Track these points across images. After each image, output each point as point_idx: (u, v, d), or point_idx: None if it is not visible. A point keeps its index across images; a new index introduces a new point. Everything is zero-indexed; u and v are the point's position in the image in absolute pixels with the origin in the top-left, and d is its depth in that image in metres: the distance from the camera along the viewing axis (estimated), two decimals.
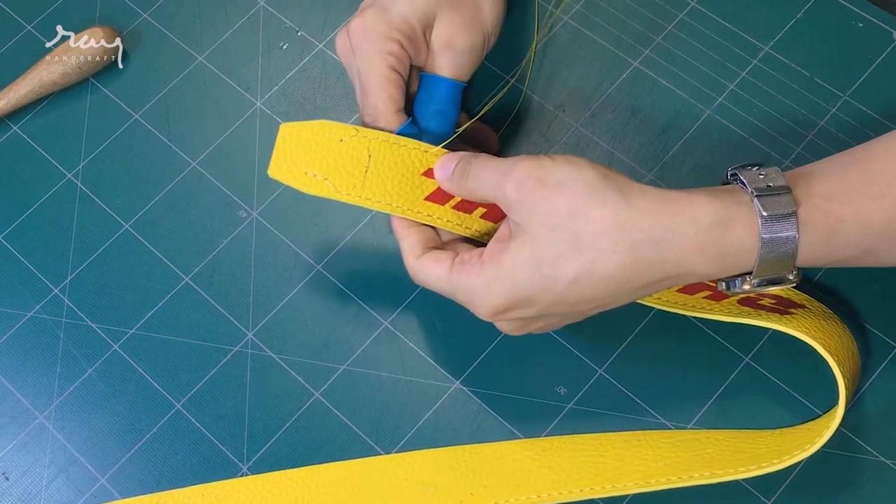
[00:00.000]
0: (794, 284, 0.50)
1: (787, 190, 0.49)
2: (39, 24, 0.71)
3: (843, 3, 0.66)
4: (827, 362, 0.53)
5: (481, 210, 0.55)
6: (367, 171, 0.54)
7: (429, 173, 0.54)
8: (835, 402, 0.54)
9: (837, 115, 0.63)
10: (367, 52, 0.56)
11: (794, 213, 0.48)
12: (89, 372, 0.61)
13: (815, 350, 0.54)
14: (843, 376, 0.53)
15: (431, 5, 0.57)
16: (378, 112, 0.56)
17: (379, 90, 0.56)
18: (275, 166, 0.55)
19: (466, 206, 0.55)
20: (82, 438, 0.59)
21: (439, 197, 0.55)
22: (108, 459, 0.59)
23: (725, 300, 0.57)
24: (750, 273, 0.49)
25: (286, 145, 0.55)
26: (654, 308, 0.59)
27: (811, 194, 0.49)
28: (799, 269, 0.50)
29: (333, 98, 0.67)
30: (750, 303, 0.57)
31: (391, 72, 0.56)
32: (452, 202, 0.55)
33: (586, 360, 0.59)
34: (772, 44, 0.66)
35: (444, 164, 0.54)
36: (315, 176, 0.54)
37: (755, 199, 0.48)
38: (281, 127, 0.55)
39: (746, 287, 0.50)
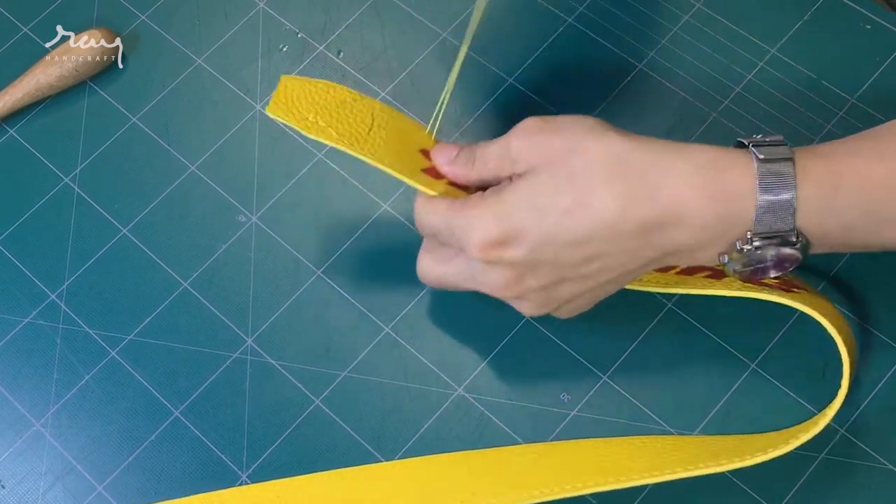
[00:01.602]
0: (798, 259, 0.50)
1: (783, 143, 0.50)
2: (36, 27, 0.71)
3: (851, 4, 0.67)
4: (837, 372, 0.54)
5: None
6: (370, 131, 0.54)
7: (426, 153, 0.55)
8: (842, 407, 0.54)
9: (845, 118, 0.63)
10: None
11: (790, 160, 0.49)
12: (87, 378, 0.61)
13: (821, 357, 0.54)
14: (849, 355, 0.53)
15: None
16: None
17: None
18: (275, 106, 0.54)
19: (461, 187, 0.55)
20: (79, 446, 0.59)
21: (436, 174, 0.55)
22: (106, 467, 0.59)
23: (727, 278, 0.57)
24: (749, 235, 0.49)
25: (288, 92, 0.55)
26: (658, 313, 0.59)
27: (809, 152, 0.50)
28: (801, 235, 0.50)
29: None
30: (753, 280, 0.56)
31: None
32: (446, 179, 0.55)
33: (590, 366, 0.59)
34: (778, 46, 0.66)
35: (444, 150, 0.55)
36: (317, 122, 0.54)
37: (752, 148, 0.49)
38: (282, 78, 0.55)
39: (746, 249, 0.50)
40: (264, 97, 0.68)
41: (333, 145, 0.53)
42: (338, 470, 0.58)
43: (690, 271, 0.57)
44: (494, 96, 0.66)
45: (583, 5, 0.68)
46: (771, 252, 0.50)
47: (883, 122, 0.52)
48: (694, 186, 0.49)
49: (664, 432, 0.57)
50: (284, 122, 0.54)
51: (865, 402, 0.57)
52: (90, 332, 0.62)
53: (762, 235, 0.49)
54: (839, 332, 0.53)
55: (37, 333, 0.62)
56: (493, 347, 0.60)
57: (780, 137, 0.50)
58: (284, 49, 0.69)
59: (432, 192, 0.54)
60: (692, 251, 0.51)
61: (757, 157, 0.49)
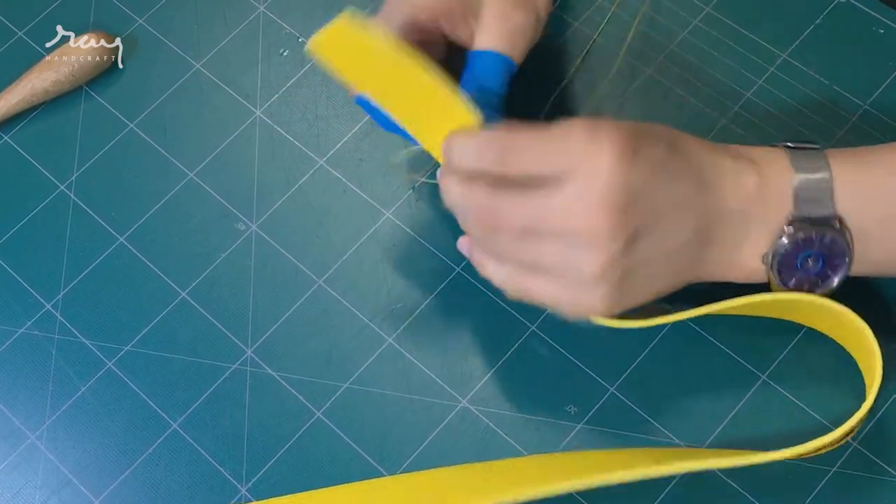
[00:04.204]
0: (845, 251, 0.52)
1: (813, 143, 0.54)
2: (31, 31, 0.72)
3: (863, 8, 0.67)
4: (851, 384, 0.54)
5: None
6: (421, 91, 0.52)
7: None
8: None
9: (857, 124, 0.64)
10: (387, 12, 0.57)
11: (821, 151, 0.53)
12: (83, 390, 0.62)
13: (834, 369, 0.54)
14: (883, 357, 0.54)
15: None
16: None
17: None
18: (321, 42, 0.52)
19: None
20: (75, 459, 0.60)
21: None
22: (102, 481, 0.59)
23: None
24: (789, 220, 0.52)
25: (339, 35, 0.52)
26: (665, 325, 0.59)
27: (837, 150, 0.54)
28: (842, 221, 0.52)
29: (336, 106, 0.68)
30: None
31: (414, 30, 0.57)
32: None
33: (597, 377, 0.60)
34: (789, 50, 0.67)
35: (465, 150, 0.51)
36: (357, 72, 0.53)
37: (782, 145, 0.54)
38: (340, 16, 0.52)
39: (791, 231, 0.52)
40: (264, 102, 0.69)
41: (379, 102, 0.53)
42: (341, 486, 0.58)
43: None
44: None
45: (590, 9, 0.69)
46: (811, 262, 0.53)
47: None
48: (741, 169, 0.52)
49: (672, 445, 0.58)
50: (331, 57, 0.53)
51: (879, 414, 0.57)
52: (86, 342, 0.63)
53: (802, 216, 0.52)
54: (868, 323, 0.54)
55: (32, 344, 0.63)
56: (499, 358, 0.60)
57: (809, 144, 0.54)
58: (285, 53, 0.70)
59: None
60: (732, 256, 0.53)
61: (787, 145, 0.53)
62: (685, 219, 0.51)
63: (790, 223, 0.52)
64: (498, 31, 0.57)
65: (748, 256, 0.53)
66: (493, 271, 0.53)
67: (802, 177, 0.52)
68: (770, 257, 0.53)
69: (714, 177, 0.51)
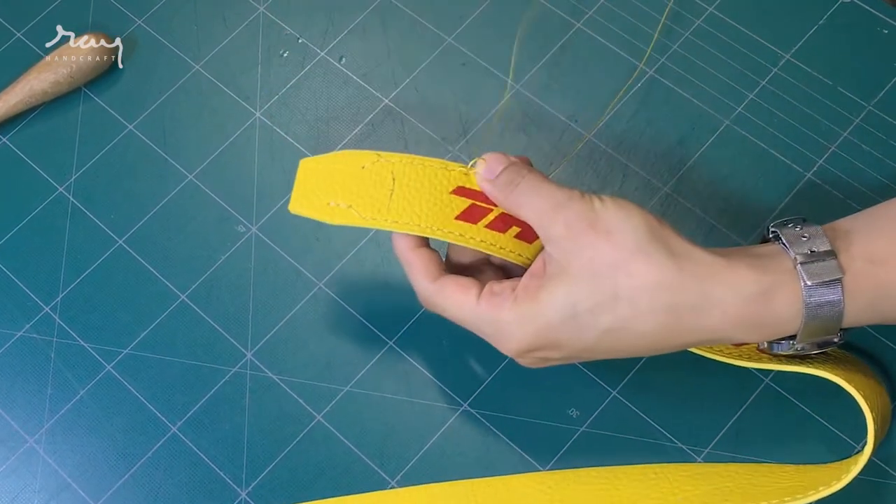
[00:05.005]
0: (839, 344, 0.52)
1: (831, 255, 0.50)
2: (29, 31, 0.72)
3: (868, 8, 0.67)
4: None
5: (515, 230, 0.54)
6: (392, 194, 0.54)
7: (458, 191, 0.54)
8: (857, 425, 0.55)
9: (862, 125, 0.64)
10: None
11: (839, 281, 0.49)
12: (81, 394, 0.62)
13: None
14: (871, 411, 0.54)
15: None
16: None
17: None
18: (296, 202, 0.56)
19: (500, 226, 0.54)
20: (74, 463, 0.60)
21: (471, 216, 0.54)
22: (101, 485, 0.60)
23: (745, 346, 0.58)
24: (794, 338, 0.51)
25: (307, 180, 0.56)
26: None
27: (854, 257, 0.50)
28: (844, 330, 0.51)
29: (336, 108, 0.68)
30: None
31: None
32: (485, 221, 0.54)
33: (600, 381, 0.60)
34: (793, 51, 0.67)
35: (492, 164, 0.53)
36: (338, 205, 0.54)
37: (799, 267, 0.49)
38: (301, 163, 0.56)
39: (790, 351, 0.52)
40: (264, 104, 0.69)
41: (358, 225, 0.54)
42: (342, 497, 0.58)
43: None
44: (503, 101, 0.67)
45: (591, 8, 0.69)
46: (814, 351, 0.52)
47: None
48: (739, 318, 0.49)
49: (676, 449, 0.58)
50: (307, 216, 0.55)
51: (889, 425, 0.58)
52: (85, 345, 0.63)
53: (805, 342, 0.51)
54: (857, 388, 0.54)
55: (30, 347, 0.63)
56: (500, 362, 0.61)
57: (829, 249, 0.50)
58: (285, 55, 0.70)
59: (472, 244, 0.54)
60: (721, 338, 0.52)
61: (805, 282, 0.49)
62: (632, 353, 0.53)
63: (791, 344, 0.52)
64: None
65: (740, 341, 0.53)
66: None
67: (814, 322, 0.50)
68: (765, 344, 0.54)
69: (711, 340, 0.51)
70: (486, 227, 0.54)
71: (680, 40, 0.68)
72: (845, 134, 0.64)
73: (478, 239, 0.54)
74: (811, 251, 0.50)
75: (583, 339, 0.50)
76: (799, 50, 0.67)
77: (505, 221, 0.54)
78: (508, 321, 0.51)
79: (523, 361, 0.54)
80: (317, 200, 0.55)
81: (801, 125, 0.65)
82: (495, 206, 0.54)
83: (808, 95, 0.65)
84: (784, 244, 0.51)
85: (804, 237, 0.51)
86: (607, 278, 0.49)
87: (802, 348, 0.52)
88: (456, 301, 0.53)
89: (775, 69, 0.66)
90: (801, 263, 0.49)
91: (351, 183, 0.54)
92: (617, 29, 0.68)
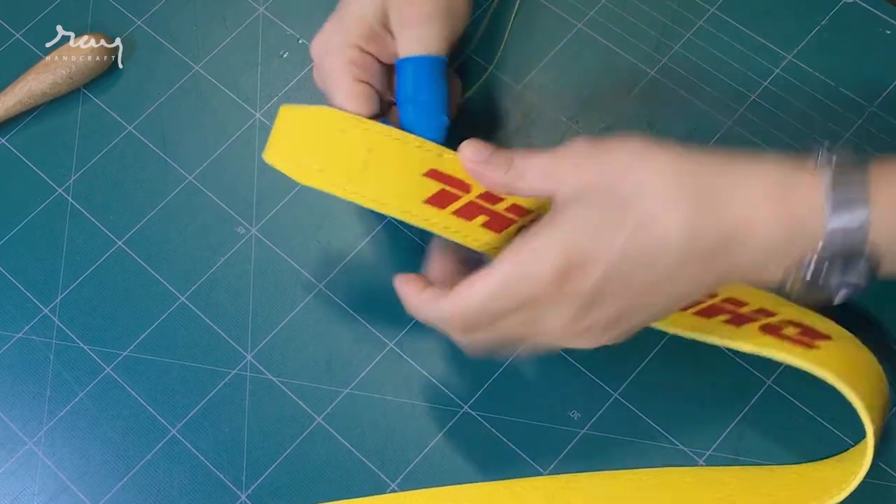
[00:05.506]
0: (862, 286, 0.49)
1: (855, 158, 0.48)
2: (28, 32, 0.73)
3: (870, 9, 0.67)
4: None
5: (483, 218, 0.55)
6: (365, 167, 0.54)
7: (431, 174, 0.54)
8: (860, 427, 0.55)
9: (864, 126, 0.64)
10: (329, 67, 0.57)
11: (863, 179, 0.47)
12: (80, 396, 0.62)
13: None
14: (872, 423, 0.54)
15: None
16: None
17: (346, 104, 0.56)
18: (271, 149, 0.56)
19: (467, 214, 0.54)
20: (73, 465, 0.60)
21: (440, 201, 0.54)
22: (100, 488, 0.60)
23: (746, 325, 0.58)
24: (815, 257, 0.48)
25: (285, 128, 0.56)
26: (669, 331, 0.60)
27: (884, 167, 0.48)
28: (870, 257, 0.48)
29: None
30: (772, 330, 0.57)
31: (356, 84, 0.57)
32: (453, 207, 0.54)
33: (601, 383, 0.60)
34: (795, 52, 0.67)
35: (478, 147, 0.53)
36: (311, 165, 0.54)
37: (823, 151, 0.48)
38: (281, 109, 0.56)
39: (810, 272, 0.49)
40: (264, 105, 0.69)
41: (328, 191, 0.54)
42: (344, 502, 0.58)
43: (710, 312, 0.57)
44: (504, 102, 0.67)
45: (593, 10, 0.69)
46: (835, 279, 0.49)
47: None
48: (761, 207, 0.48)
49: (678, 451, 0.58)
50: (279, 168, 0.55)
51: (890, 425, 0.57)
52: (84, 347, 0.63)
53: (828, 258, 0.48)
54: (854, 386, 0.54)
55: (29, 349, 0.63)
56: (501, 363, 0.61)
57: (848, 151, 0.48)
58: (285, 55, 0.70)
59: (435, 229, 0.54)
60: (750, 274, 0.50)
61: (829, 174, 0.47)
62: (669, 290, 0.50)
63: (813, 259, 0.48)
64: (408, 35, 0.58)
65: (758, 282, 0.51)
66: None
67: (837, 221, 0.47)
68: (788, 284, 0.50)
69: (737, 243, 0.48)
70: (454, 213, 0.54)
71: (681, 41, 0.68)
72: (847, 135, 0.64)
73: (442, 225, 0.54)
74: (838, 157, 0.48)
75: (615, 245, 0.48)
76: (801, 51, 0.67)
77: (472, 210, 0.54)
78: (534, 248, 0.49)
79: (556, 316, 0.51)
80: (291, 156, 0.55)
81: (804, 126, 0.65)
82: (465, 193, 0.54)
83: (810, 96, 0.65)
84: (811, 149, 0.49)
85: (826, 144, 0.49)
86: (616, 187, 0.48)
87: (822, 270, 0.48)
88: (480, 288, 0.51)
89: (777, 70, 0.66)
90: (823, 159, 0.48)
91: (328, 145, 0.54)
92: (618, 30, 0.69)
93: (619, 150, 0.50)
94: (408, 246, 0.64)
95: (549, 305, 0.50)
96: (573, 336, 0.52)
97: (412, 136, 0.54)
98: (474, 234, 0.54)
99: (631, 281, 0.49)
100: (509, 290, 0.50)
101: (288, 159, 0.55)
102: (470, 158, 0.53)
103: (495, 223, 0.55)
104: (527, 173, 0.52)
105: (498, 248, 0.54)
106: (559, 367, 0.60)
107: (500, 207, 0.54)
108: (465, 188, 0.54)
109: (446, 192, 0.54)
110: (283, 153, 0.55)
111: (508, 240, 0.54)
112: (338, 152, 0.54)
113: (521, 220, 0.55)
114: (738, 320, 0.57)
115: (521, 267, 0.50)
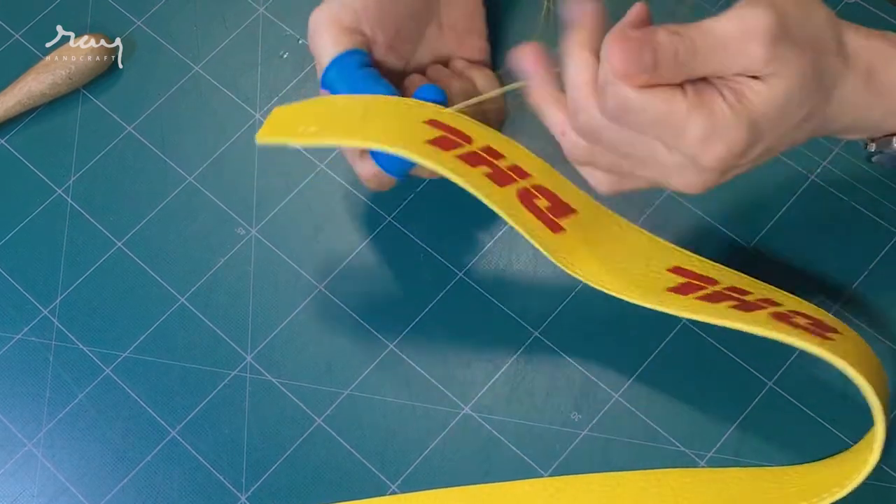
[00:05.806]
0: None
1: None
2: (28, 33, 0.73)
3: (872, 9, 0.67)
4: (859, 390, 0.54)
5: (485, 169, 0.54)
6: (365, 117, 0.53)
7: (432, 122, 0.54)
8: (862, 429, 0.55)
9: None
10: (315, 25, 0.59)
11: None
12: (80, 397, 0.62)
13: (842, 374, 0.54)
14: (884, 413, 0.54)
15: None
16: None
17: (336, 47, 0.57)
18: (263, 135, 0.56)
19: (470, 160, 0.53)
20: (72, 467, 0.60)
21: (442, 144, 0.53)
22: (100, 489, 0.60)
23: (756, 311, 0.57)
24: None
25: (277, 119, 0.56)
26: (671, 330, 0.60)
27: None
28: None
29: None
30: (784, 318, 0.57)
31: (344, 30, 0.58)
32: (456, 152, 0.53)
33: (601, 384, 0.60)
34: None
35: (617, 54, 0.47)
36: (307, 129, 0.54)
37: None
38: (273, 110, 0.57)
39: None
40: (264, 105, 0.69)
41: (327, 143, 0.54)
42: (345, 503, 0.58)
43: (717, 298, 0.57)
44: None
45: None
46: None
47: None
48: (862, 32, 0.50)
49: (679, 453, 0.58)
50: (275, 142, 0.55)
51: (890, 425, 0.57)
52: (84, 348, 0.63)
53: None
54: (869, 381, 0.54)
55: (28, 350, 0.63)
56: (501, 365, 0.61)
57: None
58: (285, 56, 0.70)
59: (439, 168, 0.52)
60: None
61: None
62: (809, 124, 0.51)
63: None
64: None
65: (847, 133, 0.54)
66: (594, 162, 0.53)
67: None
68: (874, 146, 0.55)
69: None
70: (457, 157, 0.53)
71: None
72: (845, 140, 0.64)
73: (449, 166, 0.52)
74: None
75: (782, 128, 0.49)
76: None
77: (475, 159, 0.53)
78: (724, 124, 0.47)
79: (698, 177, 0.50)
80: (286, 129, 0.55)
81: None
82: (466, 142, 0.53)
83: None
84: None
85: None
86: (815, 77, 0.48)
87: None
88: (648, 100, 0.47)
89: None
90: None
91: (323, 113, 0.55)
92: None
93: (814, 38, 0.49)
94: (408, 247, 0.64)
95: (691, 168, 0.49)
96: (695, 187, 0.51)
97: (409, 99, 0.54)
98: (477, 182, 0.53)
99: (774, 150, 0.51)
100: (655, 126, 0.48)
101: (282, 131, 0.55)
102: (625, 72, 0.47)
103: (497, 177, 0.54)
104: (709, 60, 0.48)
105: (499, 205, 0.52)
106: (560, 368, 0.60)
107: (501, 164, 0.54)
108: (467, 139, 0.53)
109: (448, 138, 0.53)
110: (277, 132, 0.55)
111: (508, 199, 0.53)
112: (335, 115, 0.54)
113: (522, 181, 0.55)
114: (746, 307, 0.57)
115: (698, 122, 0.47)
